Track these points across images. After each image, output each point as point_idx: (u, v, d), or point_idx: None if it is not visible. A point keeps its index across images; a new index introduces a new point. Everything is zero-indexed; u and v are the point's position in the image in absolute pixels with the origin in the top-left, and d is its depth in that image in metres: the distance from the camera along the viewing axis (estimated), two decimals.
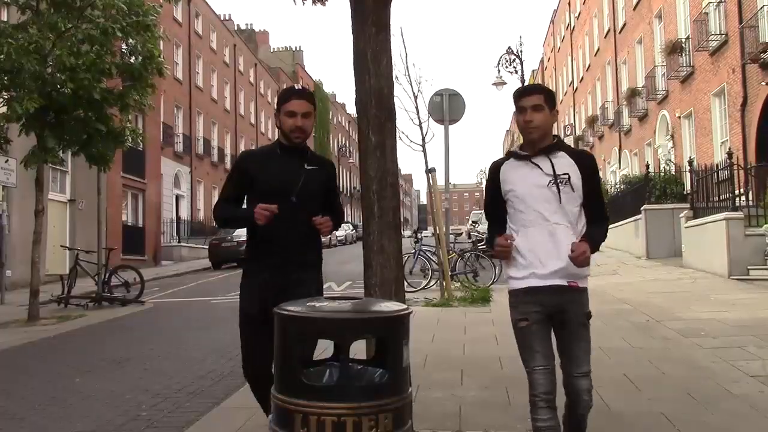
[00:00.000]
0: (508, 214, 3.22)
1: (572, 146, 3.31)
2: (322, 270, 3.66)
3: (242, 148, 45.30)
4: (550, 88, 50.28)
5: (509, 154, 3.28)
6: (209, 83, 39.83)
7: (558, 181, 3.08)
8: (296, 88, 3.59)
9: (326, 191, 3.65)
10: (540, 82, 51.20)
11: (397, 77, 10.51)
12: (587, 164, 3.18)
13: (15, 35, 11.01)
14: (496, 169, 3.28)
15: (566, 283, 3.06)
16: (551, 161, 3.12)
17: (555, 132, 3.35)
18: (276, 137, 3.86)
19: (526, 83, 23.38)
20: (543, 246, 3.06)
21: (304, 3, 5.62)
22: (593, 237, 3.14)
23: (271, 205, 3.31)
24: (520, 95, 3.19)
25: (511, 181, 3.19)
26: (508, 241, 3.11)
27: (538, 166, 3.11)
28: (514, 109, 3.26)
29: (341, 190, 75.94)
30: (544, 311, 3.08)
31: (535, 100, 3.13)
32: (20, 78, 10.94)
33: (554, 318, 3.09)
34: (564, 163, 3.12)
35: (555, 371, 3.03)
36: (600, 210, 3.25)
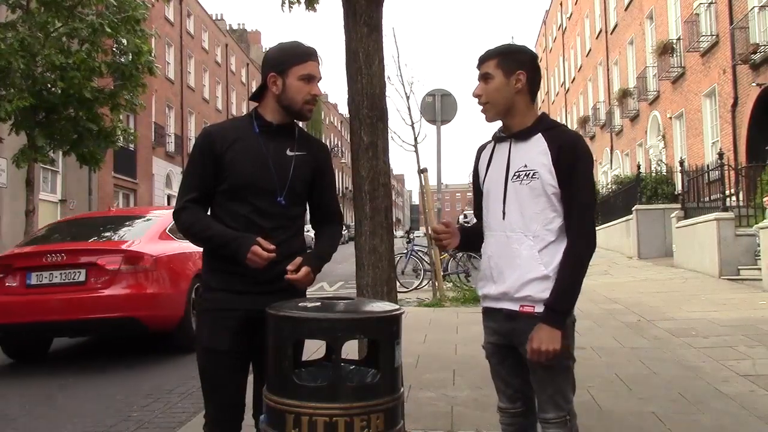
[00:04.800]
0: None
1: (560, 124, 2.56)
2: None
3: None
4: (546, 86, 49.00)
5: (492, 136, 2.64)
6: (201, 83, 39.74)
7: (510, 177, 2.44)
8: (306, 45, 2.62)
9: (314, 186, 2.69)
10: None
11: (389, 77, 10.54)
12: (562, 150, 2.36)
13: (3, 34, 10.97)
14: (478, 153, 2.69)
15: (518, 308, 2.39)
16: (510, 149, 2.47)
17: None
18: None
19: None
20: (498, 258, 2.45)
21: (291, 9, 5.62)
22: (555, 286, 2.33)
23: (270, 245, 2.43)
24: (477, 66, 2.53)
25: (482, 170, 2.61)
26: (440, 226, 2.61)
27: (507, 154, 2.49)
28: None
29: None
30: (501, 341, 2.50)
31: (484, 68, 2.46)
32: (10, 77, 10.90)
33: (516, 349, 2.46)
34: (532, 152, 2.41)
35: (530, 413, 2.54)
36: (572, 218, 2.36)
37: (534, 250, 2.37)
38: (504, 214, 2.44)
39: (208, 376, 2.61)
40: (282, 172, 2.56)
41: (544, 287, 2.35)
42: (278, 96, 2.57)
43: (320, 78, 2.61)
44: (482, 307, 2.59)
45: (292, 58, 2.56)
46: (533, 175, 2.38)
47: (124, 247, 6.84)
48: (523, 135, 2.45)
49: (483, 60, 2.49)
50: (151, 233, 7.25)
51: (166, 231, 7.32)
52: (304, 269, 2.54)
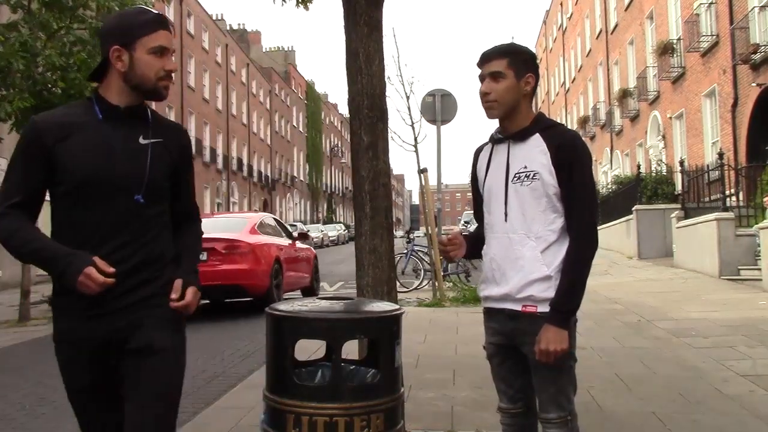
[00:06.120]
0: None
1: (558, 123, 2.56)
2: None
3: (234, 148, 45.29)
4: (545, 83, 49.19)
5: (490, 137, 2.61)
6: (201, 83, 39.75)
7: (510, 179, 2.43)
8: (153, 12, 2.20)
9: (174, 179, 2.26)
10: None
11: (389, 77, 10.55)
12: (562, 151, 2.36)
13: (5, 34, 10.99)
14: (475, 155, 2.66)
15: (520, 308, 2.39)
16: (508, 150, 2.46)
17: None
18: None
19: None
20: (500, 259, 2.44)
21: (284, 3, 5.64)
22: (561, 287, 2.33)
23: (108, 268, 2.02)
24: (478, 63, 2.48)
25: (481, 173, 2.58)
26: (448, 239, 2.59)
27: (506, 156, 2.48)
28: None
29: (333, 189, 75.92)
30: (502, 342, 2.49)
31: (494, 66, 2.41)
32: (10, 77, 10.91)
33: (519, 349, 2.45)
34: (531, 152, 2.40)
35: (531, 413, 2.53)
36: (574, 218, 2.36)
37: (536, 251, 2.37)
38: (506, 215, 2.42)
39: (77, 413, 2.24)
40: (137, 165, 2.13)
41: (546, 287, 2.35)
42: (125, 74, 2.13)
43: (173, 50, 2.22)
44: (483, 307, 2.58)
45: (139, 27, 2.12)
46: (534, 176, 2.37)
47: (230, 236, 10.12)
48: (521, 135, 2.44)
49: (491, 57, 2.45)
50: (247, 228, 10.76)
51: (255, 227, 10.89)
52: (190, 290, 2.19)
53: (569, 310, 2.35)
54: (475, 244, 2.63)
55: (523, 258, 2.38)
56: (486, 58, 2.45)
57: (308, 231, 13.12)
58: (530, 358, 2.39)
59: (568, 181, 2.35)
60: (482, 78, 2.46)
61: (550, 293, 2.34)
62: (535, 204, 2.37)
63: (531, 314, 2.37)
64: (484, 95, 2.44)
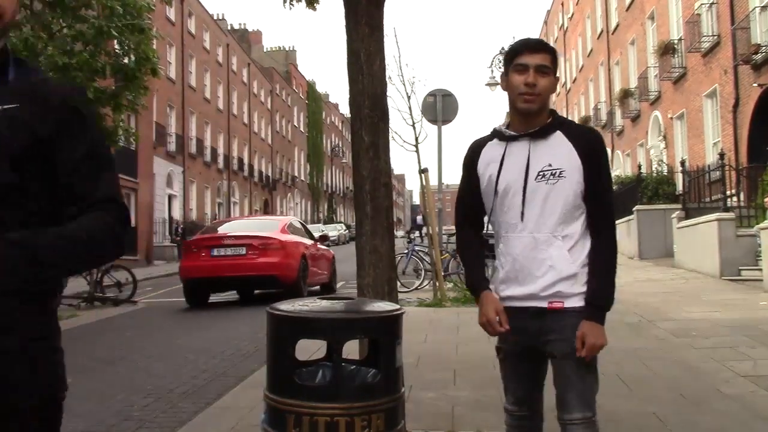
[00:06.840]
0: (489, 214, 2.51)
1: (574, 122, 2.58)
2: None
3: (235, 148, 45.35)
4: None
5: (494, 133, 2.50)
6: (202, 83, 39.76)
7: (532, 176, 2.36)
8: None
9: (44, 157, 1.50)
10: None
11: (390, 77, 10.52)
12: (590, 148, 2.36)
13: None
14: (476, 150, 2.53)
15: (546, 305, 2.35)
16: (529, 147, 2.38)
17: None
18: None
19: None
20: (524, 259, 2.36)
21: (291, 7, 5.63)
22: (596, 283, 2.33)
23: None
24: (521, 50, 2.37)
25: (489, 169, 2.46)
26: (496, 326, 2.39)
27: (526, 153, 2.40)
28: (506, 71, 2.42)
29: (333, 189, 75.91)
30: (522, 341, 2.41)
31: (541, 59, 2.34)
32: None
33: (540, 349, 2.41)
34: (556, 150, 2.35)
35: (536, 417, 2.53)
36: (602, 216, 2.39)
37: (563, 250, 2.34)
38: (526, 215, 2.36)
39: None
40: None
41: (573, 282, 2.34)
42: None
43: None
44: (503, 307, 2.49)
45: None
46: (560, 174, 2.33)
47: (265, 234, 11.92)
48: (542, 133, 2.38)
49: (541, 49, 2.38)
50: (279, 228, 12.57)
51: (285, 227, 12.76)
52: None
53: (606, 306, 2.35)
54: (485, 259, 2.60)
55: (551, 258, 2.34)
56: (534, 49, 2.37)
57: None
58: (556, 355, 2.37)
59: (596, 179, 2.35)
60: (523, 68, 2.34)
61: (577, 288, 2.34)
62: (561, 202, 2.33)
63: (557, 310, 2.34)
64: (530, 86, 2.33)
